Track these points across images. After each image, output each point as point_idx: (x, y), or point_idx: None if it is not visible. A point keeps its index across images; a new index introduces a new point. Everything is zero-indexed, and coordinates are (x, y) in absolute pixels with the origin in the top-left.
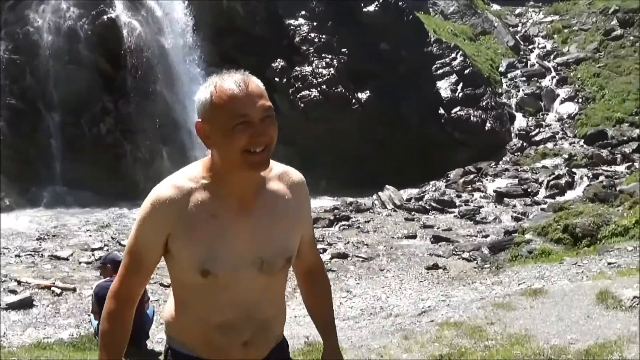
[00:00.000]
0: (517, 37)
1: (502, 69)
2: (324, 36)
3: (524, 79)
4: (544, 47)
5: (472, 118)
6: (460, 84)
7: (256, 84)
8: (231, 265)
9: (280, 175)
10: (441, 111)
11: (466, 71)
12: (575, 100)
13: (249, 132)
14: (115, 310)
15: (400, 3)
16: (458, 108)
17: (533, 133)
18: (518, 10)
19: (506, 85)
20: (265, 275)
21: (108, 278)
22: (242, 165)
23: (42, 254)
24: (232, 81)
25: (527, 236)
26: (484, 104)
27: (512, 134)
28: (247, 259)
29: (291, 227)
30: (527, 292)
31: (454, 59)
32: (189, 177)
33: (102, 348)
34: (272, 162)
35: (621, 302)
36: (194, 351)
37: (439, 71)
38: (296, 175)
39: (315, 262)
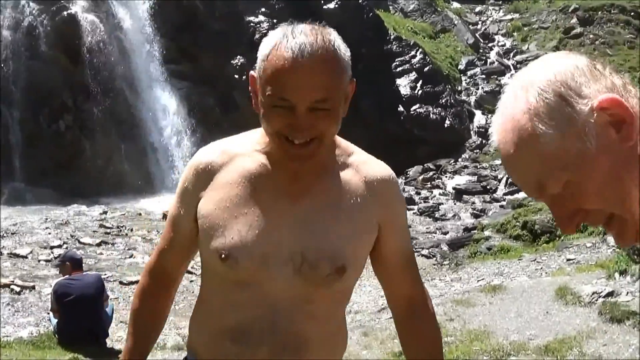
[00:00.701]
0: (476, 35)
1: (461, 67)
2: None
3: (483, 76)
4: (504, 45)
5: (431, 115)
6: (420, 82)
7: (324, 59)
8: (259, 255)
9: (360, 164)
10: (400, 108)
11: (426, 69)
12: None
13: (288, 120)
14: (146, 287)
15: (360, 1)
16: (417, 105)
17: None
18: (478, 9)
19: (465, 83)
20: (305, 281)
21: (67, 276)
22: (279, 150)
23: (0, 252)
24: (295, 44)
25: (486, 233)
26: (443, 101)
27: (472, 132)
28: (283, 251)
29: (355, 228)
30: (486, 289)
31: (414, 56)
32: (241, 141)
33: (129, 330)
34: (354, 148)
35: (580, 297)
36: None
37: (399, 69)
38: (381, 169)
39: (413, 295)
